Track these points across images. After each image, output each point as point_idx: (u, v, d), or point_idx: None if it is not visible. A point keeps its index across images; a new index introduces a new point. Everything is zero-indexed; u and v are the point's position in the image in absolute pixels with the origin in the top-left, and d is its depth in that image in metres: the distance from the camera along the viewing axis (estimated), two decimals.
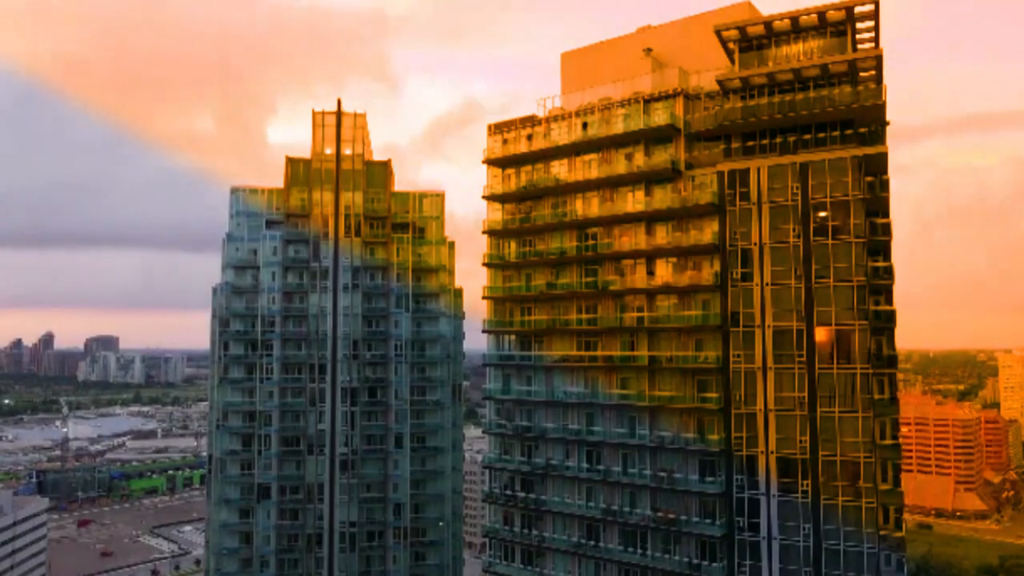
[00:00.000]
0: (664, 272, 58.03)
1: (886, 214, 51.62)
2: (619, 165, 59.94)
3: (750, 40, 54.58)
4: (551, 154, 63.51)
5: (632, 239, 59.35)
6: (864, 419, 48.54)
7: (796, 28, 53.00)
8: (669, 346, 57.00)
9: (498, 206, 67.59)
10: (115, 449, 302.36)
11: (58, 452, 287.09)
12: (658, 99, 57.98)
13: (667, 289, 57.25)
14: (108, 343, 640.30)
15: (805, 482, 49.95)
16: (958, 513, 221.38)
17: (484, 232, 67.55)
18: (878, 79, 51.31)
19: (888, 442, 49.08)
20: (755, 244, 52.90)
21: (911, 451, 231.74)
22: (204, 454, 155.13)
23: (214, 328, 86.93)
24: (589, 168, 61.71)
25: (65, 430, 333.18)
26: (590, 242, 61.52)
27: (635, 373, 58.27)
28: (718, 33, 54.41)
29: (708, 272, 55.23)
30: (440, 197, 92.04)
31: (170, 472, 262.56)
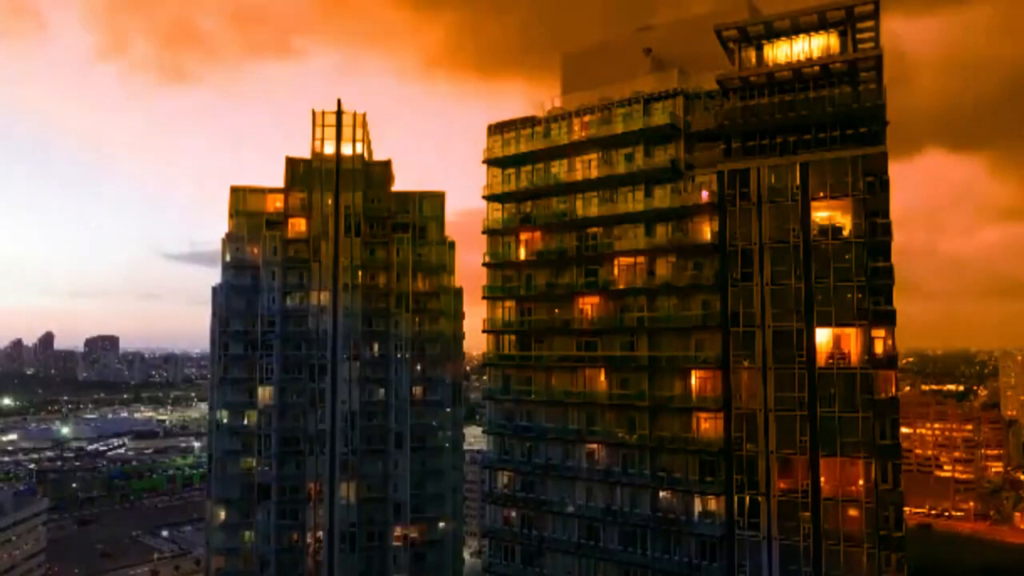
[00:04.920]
0: (664, 272, 58.03)
1: (886, 214, 51.49)
2: (619, 165, 59.96)
3: (750, 40, 54.57)
4: (551, 154, 63.50)
5: (632, 239, 59.36)
6: (864, 419, 48.54)
7: (796, 28, 53.01)
8: (669, 346, 57.02)
9: (498, 206, 67.61)
10: (115, 449, 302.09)
11: (58, 452, 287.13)
12: (658, 99, 57.96)
13: (667, 289, 57.26)
14: (108, 343, 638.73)
15: (805, 482, 49.97)
16: (958, 513, 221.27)
17: (484, 232, 67.58)
18: (878, 79, 51.29)
19: (888, 442, 49.02)
20: (755, 244, 52.87)
21: (911, 451, 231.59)
22: (204, 454, 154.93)
23: (214, 328, 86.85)
24: (589, 168, 61.71)
25: (65, 430, 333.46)
26: (590, 242, 61.54)
27: (635, 373, 58.27)
28: (718, 33, 54.39)
29: (708, 272, 55.25)
30: (440, 197, 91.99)
31: (170, 472, 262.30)
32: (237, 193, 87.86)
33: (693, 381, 55.67)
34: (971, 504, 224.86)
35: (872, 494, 48.15)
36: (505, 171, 66.88)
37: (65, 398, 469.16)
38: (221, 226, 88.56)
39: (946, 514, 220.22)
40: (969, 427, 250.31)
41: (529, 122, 64.82)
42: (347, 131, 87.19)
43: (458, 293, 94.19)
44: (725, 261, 54.01)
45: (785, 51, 54.05)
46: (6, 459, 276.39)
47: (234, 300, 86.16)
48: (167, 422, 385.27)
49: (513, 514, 63.74)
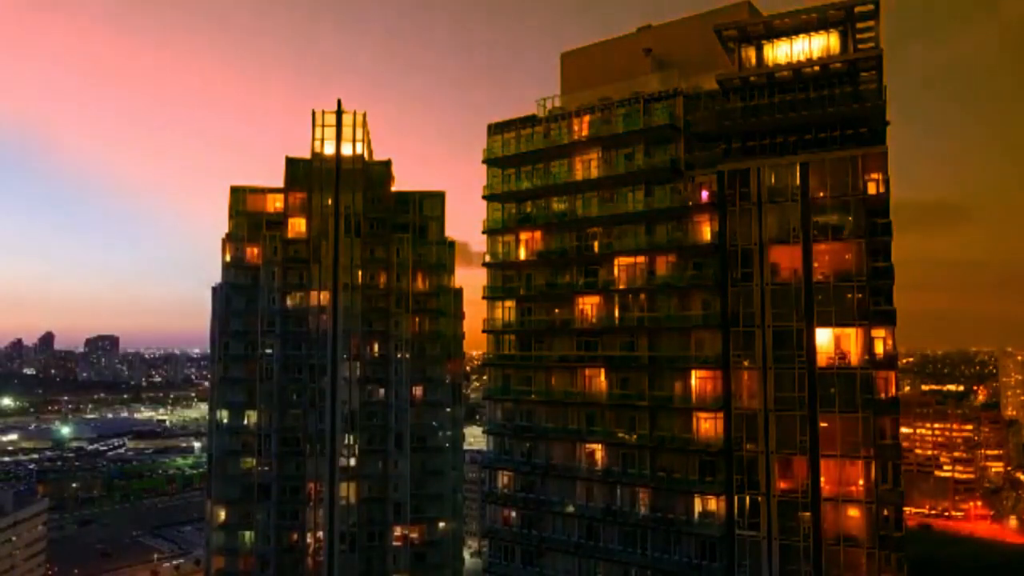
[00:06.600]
0: (664, 272, 57.99)
1: (886, 214, 51.53)
2: (619, 165, 59.90)
3: (750, 40, 54.54)
4: (551, 154, 63.43)
5: (632, 239, 59.32)
6: (864, 419, 48.52)
7: (796, 28, 52.97)
8: (669, 346, 56.97)
9: (498, 206, 67.55)
10: (115, 449, 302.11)
11: (58, 452, 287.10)
12: (658, 99, 57.89)
13: (667, 289, 57.23)
14: (108, 343, 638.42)
15: (805, 482, 49.96)
16: (958, 513, 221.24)
17: (484, 232, 67.56)
18: (878, 79, 51.25)
19: (888, 442, 49.01)
20: (755, 244, 52.84)
21: (911, 451, 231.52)
22: (204, 454, 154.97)
23: (214, 328, 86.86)
24: (589, 168, 61.65)
25: (65, 430, 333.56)
26: (590, 242, 61.51)
27: (635, 373, 58.23)
28: (718, 33, 54.37)
29: (708, 272, 55.22)
30: (440, 197, 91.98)
31: (170, 472, 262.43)
32: (237, 193, 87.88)
33: (693, 381, 55.60)
34: (971, 504, 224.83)
35: (872, 494, 48.13)
36: (505, 171, 66.82)
37: (65, 398, 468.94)
38: (221, 227, 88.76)
39: (946, 514, 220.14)
40: (969, 427, 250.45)
41: (529, 122, 64.74)
42: (347, 131, 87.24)
43: (458, 293, 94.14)
44: (725, 261, 53.99)
45: (785, 51, 54.02)
46: (6, 459, 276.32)
47: (234, 300, 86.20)
48: (167, 422, 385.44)
49: (513, 514, 63.70)
